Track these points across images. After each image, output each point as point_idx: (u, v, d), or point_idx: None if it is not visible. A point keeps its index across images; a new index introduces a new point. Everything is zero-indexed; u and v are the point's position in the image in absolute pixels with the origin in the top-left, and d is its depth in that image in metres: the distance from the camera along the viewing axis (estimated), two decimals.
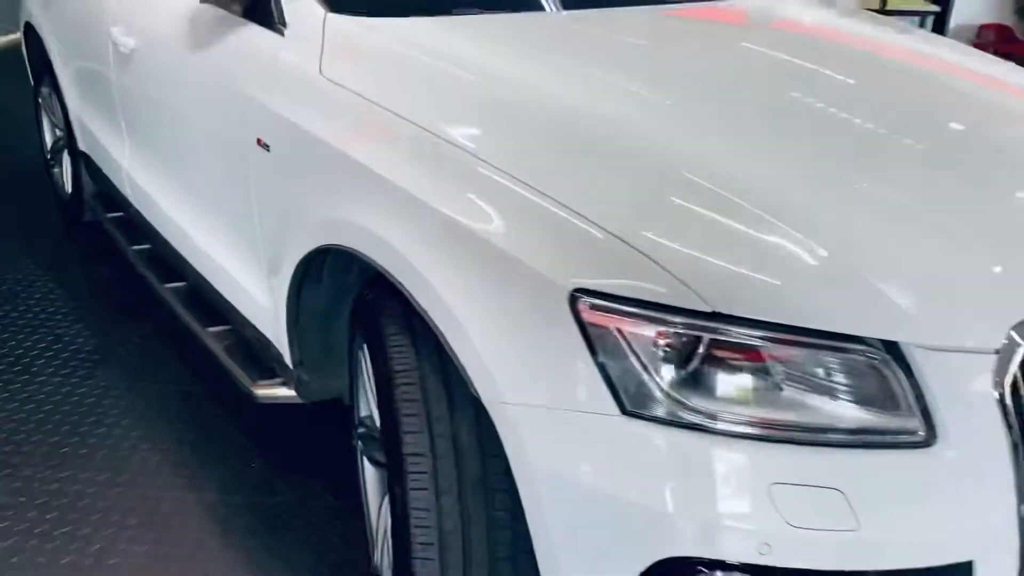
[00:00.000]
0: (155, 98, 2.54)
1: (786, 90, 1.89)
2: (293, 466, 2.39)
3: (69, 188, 3.72)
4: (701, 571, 1.27)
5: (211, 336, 2.42)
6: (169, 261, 2.70)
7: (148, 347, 2.93)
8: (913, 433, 1.26)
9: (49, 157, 3.97)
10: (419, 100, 1.68)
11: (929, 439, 1.26)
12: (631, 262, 1.29)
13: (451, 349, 1.41)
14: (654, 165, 1.49)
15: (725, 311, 1.24)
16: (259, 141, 1.92)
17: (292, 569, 2.05)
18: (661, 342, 1.26)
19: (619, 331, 1.27)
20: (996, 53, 2.66)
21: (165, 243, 2.65)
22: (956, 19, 7.58)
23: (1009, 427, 1.27)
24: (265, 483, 2.33)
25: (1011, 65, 2.34)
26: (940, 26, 6.96)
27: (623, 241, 1.30)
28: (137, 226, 2.96)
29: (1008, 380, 1.26)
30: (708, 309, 1.24)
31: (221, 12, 2.09)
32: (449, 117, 1.63)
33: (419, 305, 1.47)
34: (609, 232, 1.32)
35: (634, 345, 1.27)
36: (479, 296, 1.40)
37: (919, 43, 2.51)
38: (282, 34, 1.96)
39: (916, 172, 1.61)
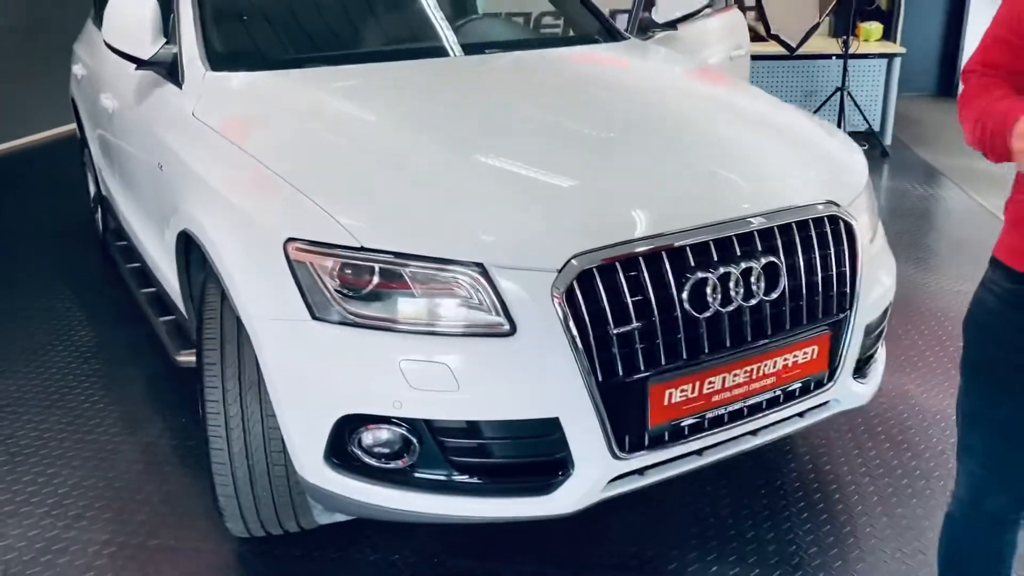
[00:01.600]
0: (122, 142, 3.37)
1: (514, 107, 2.57)
2: None
3: (101, 227, 4.63)
4: (362, 422, 1.90)
5: (161, 324, 3.17)
6: (146, 270, 3.49)
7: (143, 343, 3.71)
8: (499, 327, 1.86)
9: (92, 205, 4.91)
10: (246, 131, 2.41)
11: (511, 331, 1.86)
12: (323, 220, 1.95)
13: (224, 282, 2.09)
14: (369, 165, 2.16)
15: (369, 245, 1.88)
16: (159, 165, 2.68)
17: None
18: (333, 268, 1.91)
19: (311, 263, 1.93)
20: None
21: (141, 256, 3.45)
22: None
23: (567, 325, 1.85)
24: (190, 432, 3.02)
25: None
26: None
27: (320, 207, 1.97)
28: (132, 249, 3.78)
29: (562, 290, 1.84)
30: (358, 244, 1.88)
31: (153, 76, 2.88)
32: (264, 144, 2.34)
33: (209, 256, 2.16)
34: (315, 202, 1.99)
35: (318, 271, 1.92)
36: (239, 248, 2.09)
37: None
38: (181, 88, 2.73)
39: (538, 149, 2.27)
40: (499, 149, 2.27)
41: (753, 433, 2.17)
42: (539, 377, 1.88)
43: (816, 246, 2.14)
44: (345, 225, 1.92)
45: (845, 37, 6.52)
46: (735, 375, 2.04)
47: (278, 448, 2.07)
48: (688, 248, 1.97)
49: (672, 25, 3.71)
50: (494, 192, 2.06)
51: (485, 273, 1.86)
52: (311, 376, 1.94)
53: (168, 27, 2.90)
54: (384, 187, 2.08)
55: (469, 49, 3.02)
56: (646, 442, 1.98)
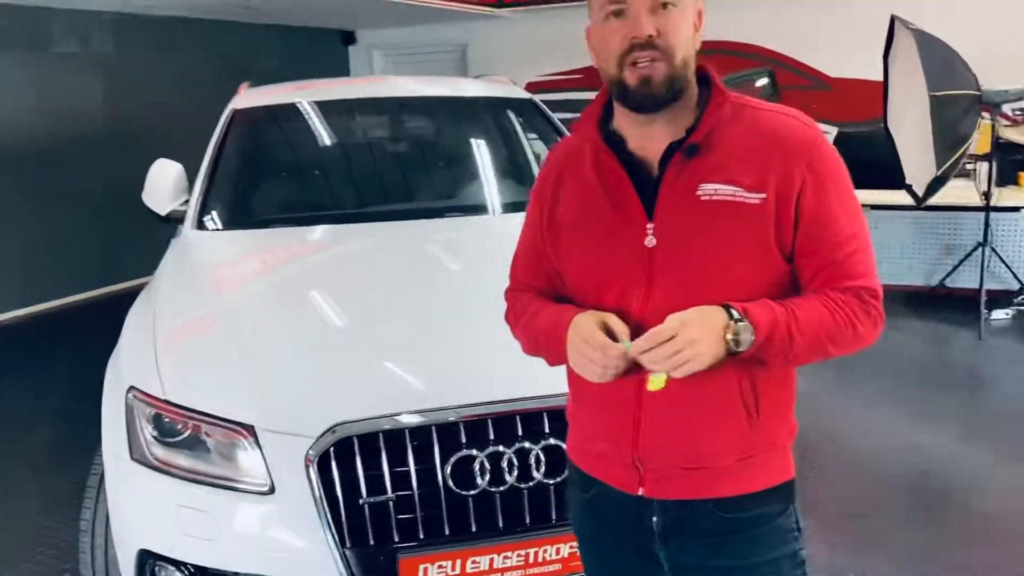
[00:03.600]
0: None
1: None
2: None
3: None
4: (151, 557, 2.11)
5: None
6: None
7: None
8: (261, 486, 2.02)
9: None
10: (167, 284, 2.80)
11: (271, 491, 2.01)
12: (152, 372, 2.24)
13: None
14: (216, 324, 2.45)
15: (172, 400, 2.14)
16: None
17: None
18: (150, 415, 2.18)
19: (137, 410, 2.21)
20: None
21: None
22: None
23: (318, 491, 1.97)
24: None
25: None
26: None
27: (155, 360, 2.27)
28: None
29: (316, 457, 1.98)
30: (163, 397, 2.15)
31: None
32: (166, 298, 2.68)
33: None
34: (155, 355, 2.29)
35: (140, 417, 2.20)
36: (110, 391, 2.41)
37: None
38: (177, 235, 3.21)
39: (348, 321, 2.47)
40: (315, 317, 2.49)
41: None
42: (290, 538, 2.01)
43: None
44: (161, 378, 2.20)
45: (986, 189, 6.04)
46: (506, 557, 2.03)
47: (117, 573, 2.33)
48: (461, 425, 2.03)
49: None
50: (284, 357, 2.26)
51: (254, 434, 2.05)
52: (123, 510, 2.20)
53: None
54: (208, 346, 2.35)
55: (397, 215, 3.25)
56: None
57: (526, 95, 4.07)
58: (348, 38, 10.71)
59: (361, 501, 1.98)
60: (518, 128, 4.15)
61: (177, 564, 2.09)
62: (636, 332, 1.35)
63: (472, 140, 3.98)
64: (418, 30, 10.46)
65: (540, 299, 1.54)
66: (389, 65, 10.81)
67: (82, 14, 7.32)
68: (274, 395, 2.13)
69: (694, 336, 1.29)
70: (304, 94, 3.75)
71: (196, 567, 2.06)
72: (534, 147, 4.13)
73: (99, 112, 7.62)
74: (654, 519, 1.46)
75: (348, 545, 1.98)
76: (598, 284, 1.43)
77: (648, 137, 1.41)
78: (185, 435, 2.14)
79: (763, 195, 1.37)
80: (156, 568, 2.14)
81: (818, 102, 8.85)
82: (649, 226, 1.39)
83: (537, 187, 1.56)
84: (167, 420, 2.15)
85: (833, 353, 1.40)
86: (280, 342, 2.35)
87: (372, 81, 4.07)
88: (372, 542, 1.98)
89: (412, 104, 3.97)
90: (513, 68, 9.99)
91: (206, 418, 2.10)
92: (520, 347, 1.58)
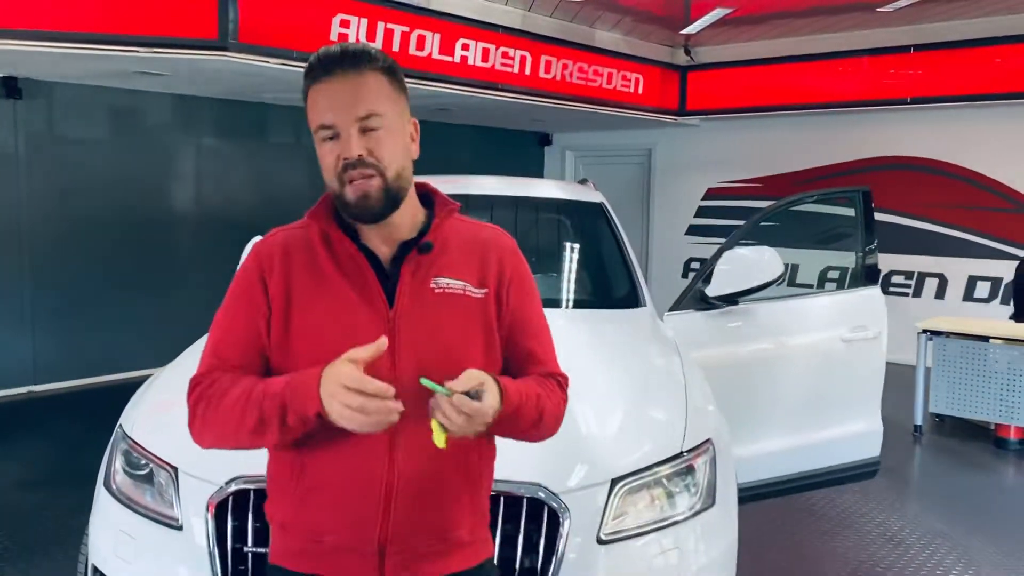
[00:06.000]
0: None
1: None
2: None
3: None
4: (96, 571, 2.44)
5: None
6: None
7: None
8: (174, 520, 2.30)
9: None
10: None
11: (180, 527, 2.28)
12: (133, 415, 2.62)
13: None
14: None
15: (133, 437, 2.49)
16: None
17: None
18: (123, 448, 2.54)
19: (115, 443, 2.59)
20: None
21: None
22: None
23: (210, 534, 2.21)
24: None
25: None
26: None
27: (138, 407, 2.65)
28: None
29: (215, 502, 2.22)
30: (130, 435, 2.51)
31: None
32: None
33: None
34: (140, 403, 2.67)
35: (116, 448, 2.57)
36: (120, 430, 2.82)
37: None
38: None
39: None
40: None
41: None
42: (187, 572, 2.25)
43: (520, 522, 2.17)
44: (135, 419, 2.57)
45: None
46: None
47: None
48: None
49: (731, 300, 3.70)
50: None
51: (176, 473, 2.34)
52: (91, 527, 2.56)
53: None
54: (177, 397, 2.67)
55: None
56: None
57: (597, 199, 4.22)
58: (544, 139, 11.34)
59: (246, 549, 2.19)
60: (602, 228, 4.29)
61: None
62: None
63: (545, 238, 4.19)
64: (608, 135, 10.88)
65: (252, 377, 1.55)
66: (580, 166, 11.29)
67: (296, 110, 8.44)
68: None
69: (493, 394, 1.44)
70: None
71: None
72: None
73: (306, 193, 8.63)
74: None
75: None
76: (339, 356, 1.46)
77: (379, 237, 1.57)
78: (145, 471, 2.48)
79: (485, 290, 1.57)
80: None
81: (1014, 223, 8.12)
82: (391, 313, 1.54)
83: (253, 275, 1.60)
84: (134, 455, 2.51)
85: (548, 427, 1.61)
86: None
87: (460, 180, 4.38)
88: None
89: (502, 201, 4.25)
90: (695, 173, 10.09)
91: (147, 454, 2.43)
92: (199, 439, 1.62)
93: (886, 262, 8.93)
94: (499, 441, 2.02)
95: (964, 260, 8.52)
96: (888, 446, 5.82)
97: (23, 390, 6.93)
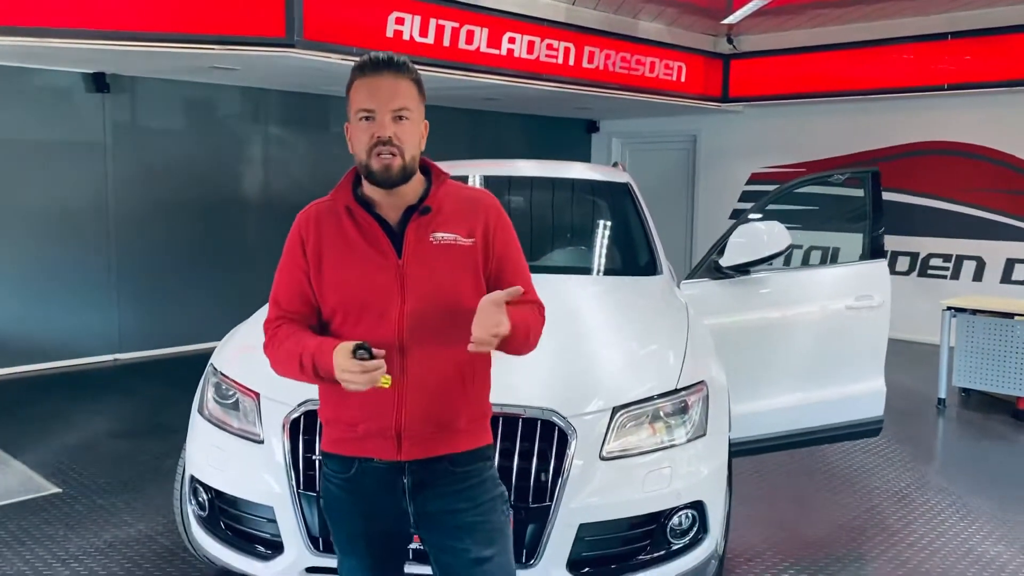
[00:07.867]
0: None
1: None
2: None
3: None
4: (194, 479, 2.98)
5: None
6: None
7: None
8: (256, 436, 2.83)
9: None
10: None
11: (261, 441, 2.81)
12: (223, 351, 3.15)
13: None
14: None
15: (223, 371, 3.02)
16: None
17: None
18: (214, 381, 3.08)
19: (208, 377, 3.13)
20: None
21: None
22: None
23: (284, 445, 2.73)
24: None
25: None
26: None
27: (232, 344, 3.18)
28: None
29: (289, 420, 2.74)
30: (220, 369, 3.04)
31: None
32: None
33: None
34: (229, 344, 3.21)
35: (207, 381, 3.11)
36: (210, 365, 3.36)
37: None
38: None
39: None
40: None
41: None
42: (269, 477, 2.77)
43: (535, 441, 2.64)
44: (222, 357, 3.10)
45: None
46: None
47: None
48: None
49: (743, 270, 4.10)
50: None
51: (258, 399, 2.86)
52: (188, 447, 3.11)
53: None
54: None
55: None
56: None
57: (624, 179, 4.65)
58: (591, 126, 11.73)
59: (314, 457, 2.70)
60: (627, 206, 4.71)
61: (205, 487, 2.95)
62: (384, 344, 1.93)
63: (577, 213, 4.64)
64: (654, 121, 11.22)
65: (303, 330, 2.03)
66: (626, 152, 11.66)
67: None
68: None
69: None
70: (474, 169, 4.59)
71: (214, 489, 2.91)
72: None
73: None
74: (404, 480, 2.02)
75: (301, 489, 2.70)
76: (362, 302, 1.99)
77: (390, 203, 2.04)
78: (232, 399, 3.01)
79: (473, 239, 2.03)
80: (196, 487, 3.01)
81: None
82: (399, 262, 2.01)
83: (296, 239, 2.06)
84: (223, 386, 3.05)
85: (532, 343, 2.05)
86: None
87: (504, 164, 4.85)
88: (318, 490, 2.69)
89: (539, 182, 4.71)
90: (739, 159, 10.40)
91: (235, 384, 2.96)
92: (274, 370, 2.10)
93: (925, 245, 9.15)
94: (519, 375, 2.53)
95: (1002, 243, 8.69)
96: (911, 416, 6.15)
97: (109, 358, 7.63)
